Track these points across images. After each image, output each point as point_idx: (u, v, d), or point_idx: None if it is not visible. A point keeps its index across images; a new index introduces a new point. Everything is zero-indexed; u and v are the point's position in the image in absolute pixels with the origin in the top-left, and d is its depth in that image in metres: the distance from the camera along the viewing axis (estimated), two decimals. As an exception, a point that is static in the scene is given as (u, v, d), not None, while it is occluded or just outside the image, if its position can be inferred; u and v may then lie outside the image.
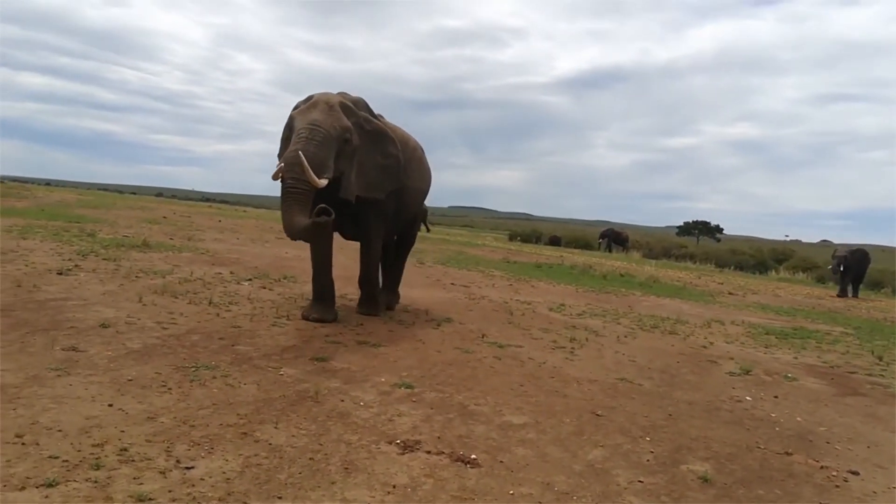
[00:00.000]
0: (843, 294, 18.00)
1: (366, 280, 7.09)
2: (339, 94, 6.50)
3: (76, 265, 7.61)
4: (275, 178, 5.74)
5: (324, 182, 5.62)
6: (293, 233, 5.64)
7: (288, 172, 5.57)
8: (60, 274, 6.95)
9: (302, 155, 5.44)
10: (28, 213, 14.01)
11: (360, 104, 6.61)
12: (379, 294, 7.23)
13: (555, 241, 40.27)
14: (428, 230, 12.37)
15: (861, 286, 19.21)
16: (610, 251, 35.44)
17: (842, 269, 18.12)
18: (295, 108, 6.32)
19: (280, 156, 6.44)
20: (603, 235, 38.88)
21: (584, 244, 39.61)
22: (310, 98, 6.29)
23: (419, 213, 8.55)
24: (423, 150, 7.97)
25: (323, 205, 5.48)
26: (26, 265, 7.22)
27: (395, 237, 8.01)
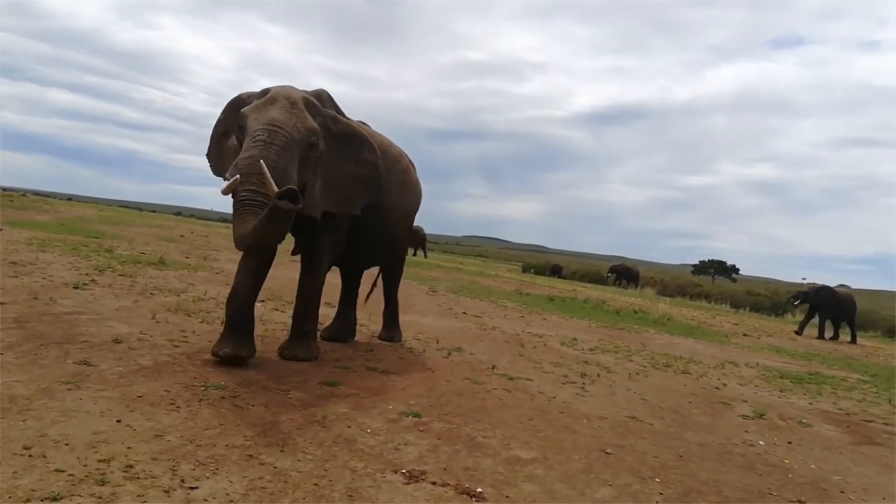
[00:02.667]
0: (799, 331, 17.41)
1: (303, 312, 5.67)
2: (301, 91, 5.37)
3: (92, 280, 7.69)
4: (226, 192, 4.57)
5: None
6: (245, 235, 4.45)
7: (243, 184, 4.48)
8: (76, 288, 7.02)
9: (264, 164, 4.40)
10: (48, 226, 14.21)
11: (324, 98, 5.55)
12: (314, 334, 5.86)
13: (556, 271, 40.19)
14: (425, 255, 12.25)
15: (858, 331, 18.48)
16: (619, 286, 35.46)
17: (797, 302, 17.99)
18: (238, 99, 5.31)
19: (210, 157, 5.56)
20: (612, 270, 38.84)
21: (597, 279, 39.49)
22: (266, 92, 5.10)
23: (405, 236, 7.37)
24: (410, 162, 6.99)
25: (289, 186, 4.34)
26: (43, 278, 7.30)
27: (380, 266, 7.29)
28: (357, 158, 5.60)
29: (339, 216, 5.65)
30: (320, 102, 5.36)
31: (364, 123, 6.34)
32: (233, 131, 5.20)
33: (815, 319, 17.90)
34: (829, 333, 17.68)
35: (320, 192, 5.27)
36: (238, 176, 4.48)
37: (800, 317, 19.51)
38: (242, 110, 4.92)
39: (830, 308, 17.55)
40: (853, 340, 17.32)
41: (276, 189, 4.33)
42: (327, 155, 5.29)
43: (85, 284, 7.29)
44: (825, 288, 17.82)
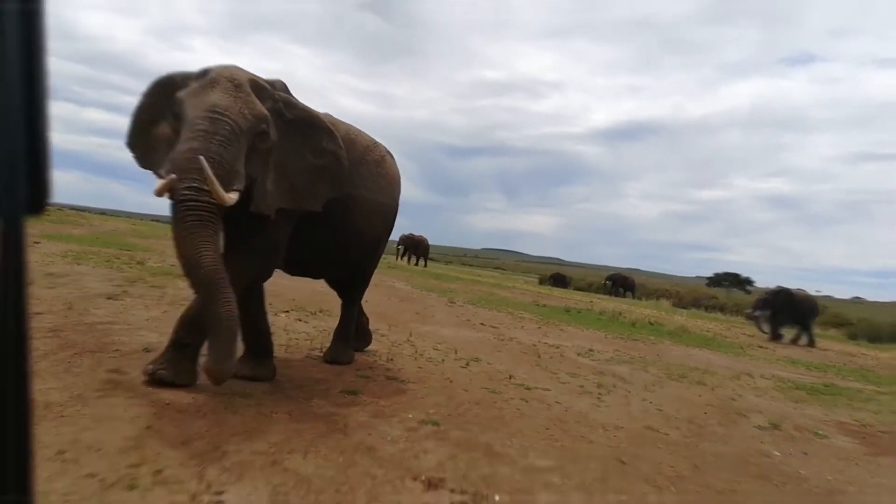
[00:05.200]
0: (774, 337, 17.26)
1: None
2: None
3: (125, 291, 7.88)
4: (160, 193, 3.80)
5: (234, 197, 3.90)
6: (204, 271, 3.93)
7: (182, 181, 3.76)
8: (109, 299, 7.20)
9: (204, 160, 3.73)
10: (83, 239, 14.49)
11: (278, 85, 4.77)
12: (267, 352, 5.14)
13: (559, 281, 39.99)
14: (425, 265, 12.08)
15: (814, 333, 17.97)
16: (616, 294, 36.13)
17: (756, 314, 17.75)
18: (169, 80, 4.50)
19: (133, 147, 4.56)
20: (609, 279, 39.46)
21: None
22: (206, 73, 4.28)
23: (380, 235, 6.37)
24: (386, 154, 6.17)
25: None
26: (78, 289, 7.49)
27: (346, 272, 6.28)
28: (316, 148, 4.85)
29: (286, 213, 4.80)
30: (272, 87, 4.63)
31: (328, 115, 5.57)
32: (164, 118, 4.48)
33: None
34: (773, 333, 17.57)
35: (274, 187, 4.51)
36: (174, 175, 3.79)
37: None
38: (178, 94, 4.17)
39: (788, 311, 17.52)
40: (810, 343, 17.20)
41: (219, 188, 3.79)
42: (281, 145, 4.57)
43: (117, 295, 7.47)
44: (782, 290, 17.75)
